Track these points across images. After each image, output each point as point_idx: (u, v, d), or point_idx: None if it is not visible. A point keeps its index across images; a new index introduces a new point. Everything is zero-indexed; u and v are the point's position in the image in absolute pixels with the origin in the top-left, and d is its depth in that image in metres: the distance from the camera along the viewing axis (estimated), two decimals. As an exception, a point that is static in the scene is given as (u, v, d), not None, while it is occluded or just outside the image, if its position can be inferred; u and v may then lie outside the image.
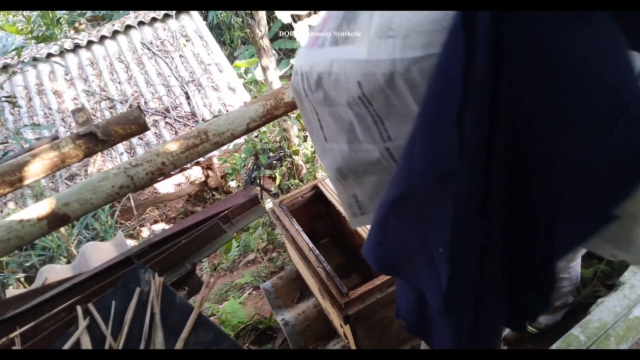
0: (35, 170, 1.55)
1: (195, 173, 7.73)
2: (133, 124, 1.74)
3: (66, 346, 1.09)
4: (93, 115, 6.12)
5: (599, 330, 1.34)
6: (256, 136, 4.70)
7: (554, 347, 1.32)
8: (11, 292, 2.42)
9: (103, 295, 1.25)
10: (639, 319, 1.37)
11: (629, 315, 1.38)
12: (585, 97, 0.60)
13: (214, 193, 6.96)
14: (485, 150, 0.63)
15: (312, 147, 4.56)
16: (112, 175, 1.45)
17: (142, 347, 1.08)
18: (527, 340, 1.75)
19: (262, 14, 3.89)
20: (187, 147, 1.56)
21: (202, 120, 6.19)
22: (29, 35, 7.09)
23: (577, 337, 1.33)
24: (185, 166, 6.07)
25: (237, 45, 10.03)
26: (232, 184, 6.71)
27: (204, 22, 7.52)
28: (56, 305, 1.34)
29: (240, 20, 9.25)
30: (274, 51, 7.79)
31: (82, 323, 1.16)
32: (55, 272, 2.18)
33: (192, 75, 6.69)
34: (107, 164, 5.92)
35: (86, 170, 5.88)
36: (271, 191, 4.81)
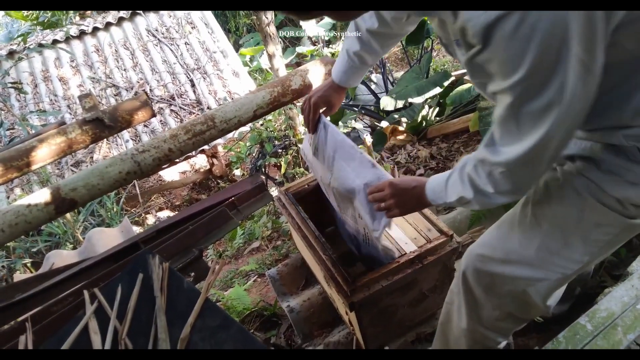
0: (42, 156, 1.55)
1: (200, 161, 7.74)
2: (140, 110, 1.74)
3: (76, 330, 1.10)
4: (99, 102, 6.11)
5: (606, 320, 1.34)
6: (261, 124, 4.69)
7: (560, 336, 1.32)
8: (19, 276, 2.45)
9: (110, 280, 1.25)
10: (646, 309, 1.36)
11: (637, 305, 1.37)
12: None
13: (219, 181, 6.98)
14: None
15: (317, 135, 4.55)
16: (120, 161, 1.45)
17: (149, 331, 1.08)
18: (532, 330, 1.75)
19: (268, 1, 3.86)
20: (194, 133, 1.56)
21: (207, 108, 6.18)
22: (35, 22, 7.08)
23: (584, 326, 1.33)
24: (190, 154, 6.07)
25: (242, 33, 9.98)
26: (237, 172, 6.72)
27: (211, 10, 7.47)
28: (64, 290, 1.35)
29: (246, 7, 9.17)
30: (279, 39, 7.74)
31: (90, 308, 1.17)
32: (62, 258, 2.19)
33: (198, 62, 6.67)
34: (112, 151, 5.93)
35: (92, 157, 5.89)
36: (276, 179, 4.81)
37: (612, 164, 0.94)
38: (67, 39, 6.72)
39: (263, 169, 4.84)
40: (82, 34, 6.85)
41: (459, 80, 3.80)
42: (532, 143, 0.87)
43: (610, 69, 0.83)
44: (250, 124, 4.35)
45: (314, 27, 8.65)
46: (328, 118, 1.56)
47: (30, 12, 7.31)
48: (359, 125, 4.71)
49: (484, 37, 0.80)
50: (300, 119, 4.49)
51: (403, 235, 1.65)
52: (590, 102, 0.84)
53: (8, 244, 4.43)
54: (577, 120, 0.86)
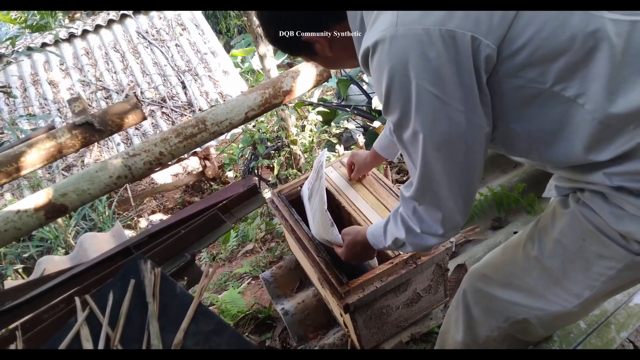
0: (32, 161, 1.53)
1: (193, 163, 7.71)
2: (130, 113, 1.72)
3: (67, 338, 1.08)
4: (89, 105, 6.08)
5: (600, 318, 1.35)
6: (254, 126, 4.67)
7: (554, 334, 1.32)
8: (9, 283, 2.42)
9: (102, 286, 1.24)
10: (639, 306, 1.37)
11: (629, 302, 1.38)
12: None
13: (212, 183, 6.95)
14: None
15: (310, 136, 4.54)
16: (110, 166, 1.44)
17: (142, 337, 1.07)
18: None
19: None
20: (186, 136, 1.55)
21: (199, 110, 6.15)
22: (23, 25, 7.01)
23: (578, 324, 1.33)
24: (183, 156, 6.04)
25: (233, 34, 9.96)
26: (230, 174, 6.70)
27: (200, 10, 7.45)
28: (55, 296, 1.34)
29: (237, 8, 9.15)
30: (270, 40, 7.69)
31: (81, 315, 1.16)
32: (54, 263, 2.17)
33: (189, 64, 6.64)
34: (103, 154, 5.89)
35: (83, 161, 5.85)
36: (269, 181, 4.80)
37: (617, 197, 0.89)
38: (57, 42, 6.67)
39: (256, 171, 4.83)
40: (71, 37, 6.79)
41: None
42: (419, 171, 0.92)
43: (537, 104, 0.84)
44: (242, 126, 4.33)
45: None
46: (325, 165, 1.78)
47: (19, 15, 7.24)
48: (351, 125, 4.70)
49: (366, 69, 0.89)
50: (292, 120, 4.49)
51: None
52: (472, 135, 0.86)
53: (-1, 250, 4.39)
54: (461, 151, 0.87)
